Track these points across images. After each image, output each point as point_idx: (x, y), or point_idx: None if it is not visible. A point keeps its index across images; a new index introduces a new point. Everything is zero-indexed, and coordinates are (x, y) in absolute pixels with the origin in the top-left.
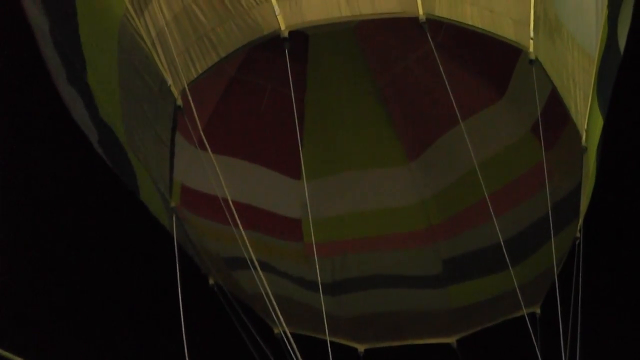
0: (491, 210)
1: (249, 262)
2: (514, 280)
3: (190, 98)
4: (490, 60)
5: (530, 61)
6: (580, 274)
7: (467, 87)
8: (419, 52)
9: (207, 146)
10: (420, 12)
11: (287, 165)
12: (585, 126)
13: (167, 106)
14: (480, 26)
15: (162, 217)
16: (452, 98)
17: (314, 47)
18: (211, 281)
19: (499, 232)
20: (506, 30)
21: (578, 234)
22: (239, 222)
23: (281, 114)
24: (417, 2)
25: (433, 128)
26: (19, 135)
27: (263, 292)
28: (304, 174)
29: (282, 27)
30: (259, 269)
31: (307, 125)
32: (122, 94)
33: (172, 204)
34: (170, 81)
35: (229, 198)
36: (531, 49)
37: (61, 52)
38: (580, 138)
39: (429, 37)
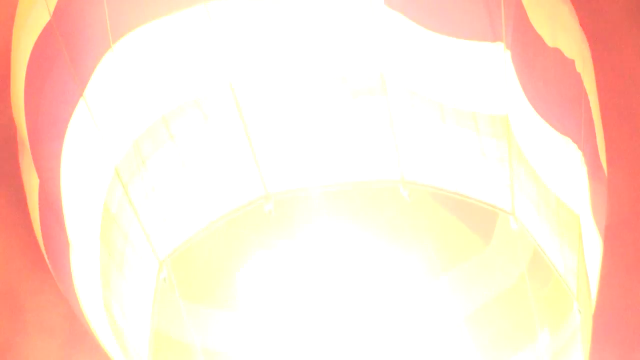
0: None
1: None
2: None
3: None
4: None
5: (512, 223)
6: None
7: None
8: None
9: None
10: (402, 179)
11: None
12: (577, 284)
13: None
14: (459, 192)
15: None
16: None
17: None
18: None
19: None
20: (486, 194)
21: None
22: None
23: None
24: (397, 166)
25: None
26: None
27: None
28: None
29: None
30: None
31: None
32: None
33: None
34: (153, 250)
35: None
36: (513, 213)
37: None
38: (572, 301)
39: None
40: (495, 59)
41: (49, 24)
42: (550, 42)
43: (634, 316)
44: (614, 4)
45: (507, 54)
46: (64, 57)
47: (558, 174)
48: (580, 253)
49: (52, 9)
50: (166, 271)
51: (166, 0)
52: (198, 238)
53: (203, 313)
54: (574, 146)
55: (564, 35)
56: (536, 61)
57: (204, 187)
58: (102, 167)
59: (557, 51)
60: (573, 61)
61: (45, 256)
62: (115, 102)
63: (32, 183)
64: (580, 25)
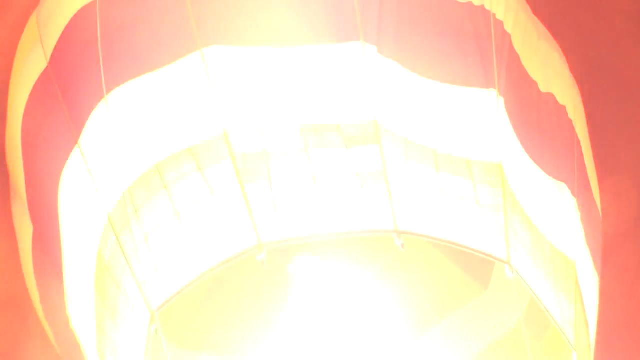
0: None
1: None
2: None
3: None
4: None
5: (509, 271)
6: None
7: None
8: None
9: None
10: (395, 229)
11: None
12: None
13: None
14: (454, 240)
15: None
16: None
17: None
18: None
19: None
20: (481, 243)
21: None
22: None
23: None
24: (392, 218)
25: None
26: None
27: None
28: None
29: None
30: None
31: None
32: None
33: None
34: (145, 300)
35: None
36: (508, 262)
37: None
38: (569, 347)
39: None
40: (489, 105)
41: (46, 70)
42: (543, 87)
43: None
44: (618, 12)
45: (501, 100)
46: (60, 104)
47: (553, 221)
48: (578, 301)
49: (49, 55)
50: (158, 322)
51: (162, 52)
52: (191, 287)
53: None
54: (568, 192)
55: (557, 81)
56: (530, 107)
57: (196, 236)
58: (96, 215)
59: (550, 96)
60: (565, 107)
61: (40, 307)
62: (109, 150)
63: (24, 230)
64: (585, 34)
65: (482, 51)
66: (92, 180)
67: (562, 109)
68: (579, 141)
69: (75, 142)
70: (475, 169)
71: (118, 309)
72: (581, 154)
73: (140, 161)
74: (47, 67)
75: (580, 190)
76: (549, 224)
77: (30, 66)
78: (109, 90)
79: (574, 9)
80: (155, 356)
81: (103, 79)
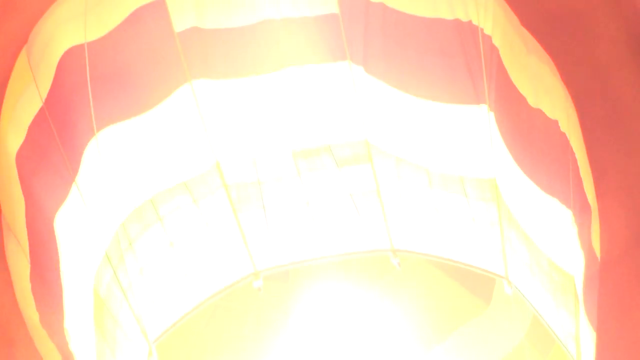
0: None
1: None
2: None
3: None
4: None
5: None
6: None
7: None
8: None
9: None
10: (391, 248)
11: None
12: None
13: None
14: (451, 258)
15: None
16: None
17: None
18: None
19: None
20: (478, 259)
21: None
22: None
23: None
24: (387, 237)
25: None
26: None
27: None
28: None
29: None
30: None
31: None
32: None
33: None
34: (143, 332)
35: None
36: (506, 277)
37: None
38: None
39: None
40: (480, 122)
41: (41, 111)
42: (533, 102)
43: None
44: (610, 35)
45: (491, 115)
46: (56, 143)
47: (549, 236)
48: (578, 314)
49: (44, 95)
50: (155, 354)
51: (152, 89)
52: (188, 317)
53: None
54: (563, 207)
55: (547, 96)
56: (521, 121)
57: (192, 266)
58: (91, 251)
59: (539, 112)
60: (557, 121)
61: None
62: (103, 187)
63: (20, 268)
64: (576, 55)
65: (470, 67)
66: (89, 217)
67: (553, 123)
68: (573, 153)
69: (73, 180)
70: (468, 186)
71: (116, 343)
72: (576, 166)
73: (134, 196)
74: (42, 107)
75: (576, 203)
76: (546, 238)
77: (24, 106)
78: (101, 128)
79: (563, 23)
80: None
81: (93, 117)
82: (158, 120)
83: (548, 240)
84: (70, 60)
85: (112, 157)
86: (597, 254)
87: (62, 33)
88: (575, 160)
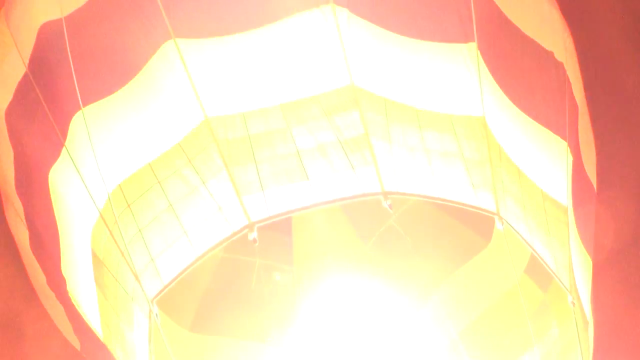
0: None
1: None
2: None
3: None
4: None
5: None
6: None
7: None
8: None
9: None
10: (382, 190)
11: None
12: (571, 279)
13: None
14: (443, 197)
15: None
16: None
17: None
18: None
19: None
20: (469, 197)
21: None
22: None
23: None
24: (378, 181)
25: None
26: None
27: None
28: None
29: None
30: None
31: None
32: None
33: None
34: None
35: None
36: (497, 214)
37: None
38: (566, 295)
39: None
40: (468, 60)
41: (25, 75)
42: (529, 32)
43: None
44: (611, 26)
45: (480, 53)
46: (43, 108)
47: (542, 168)
48: (569, 244)
49: (27, 61)
50: (156, 310)
51: (136, 55)
52: (186, 273)
53: (199, 340)
54: (557, 137)
55: (542, 26)
56: (514, 52)
57: (189, 224)
58: (86, 212)
59: (534, 43)
60: (552, 52)
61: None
62: (94, 153)
63: (21, 235)
64: (577, 47)
65: (457, 4)
66: (82, 178)
67: (549, 54)
68: (569, 82)
69: (62, 144)
70: (458, 124)
71: (118, 302)
72: (572, 96)
73: (131, 161)
74: (26, 72)
75: (572, 133)
76: (539, 171)
77: (9, 69)
78: (87, 103)
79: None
80: (158, 343)
81: (78, 93)
82: (144, 85)
83: (541, 173)
84: (49, 35)
85: (100, 129)
86: (593, 182)
87: (38, 7)
88: (571, 90)
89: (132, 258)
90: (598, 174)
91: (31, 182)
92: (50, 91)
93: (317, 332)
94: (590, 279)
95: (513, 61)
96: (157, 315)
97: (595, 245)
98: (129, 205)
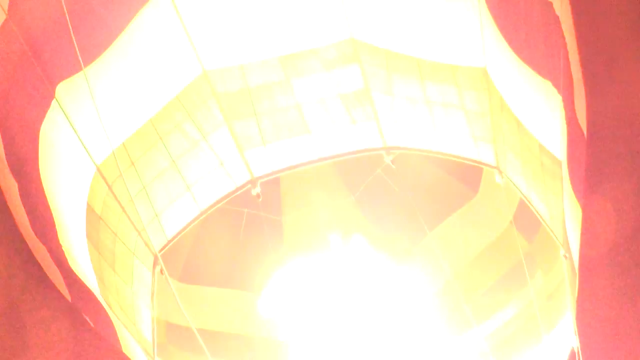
0: None
1: None
2: None
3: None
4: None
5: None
6: None
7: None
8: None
9: None
10: (384, 146)
11: None
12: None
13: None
14: (443, 150)
15: None
16: None
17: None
18: None
19: None
20: (469, 150)
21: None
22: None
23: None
24: (380, 135)
25: None
26: None
27: None
28: None
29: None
30: None
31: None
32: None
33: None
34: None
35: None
36: (497, 167)
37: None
38: (559, 246)
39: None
40: (471, 8)
41: (6, 22)
42: None
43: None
44: (614, 20)
45: (483, 2)
46: (29, 58)
47: (541, 120)
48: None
49: (6, 7)
50: (162, 262)
51: (128, 4)
52: (190, 227)
53: (201, 293)
54: (555, 90)
55: None
56: (517, 4)
57: (192, 178)
58: (82, 168)
59: None
60: (552, 3)
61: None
62: (95, 110)
63: (10, 187)
64: (580, 40)
65: None
66: (76, 133)
67: (548, 5)
68: (564, 37)
69: (52, 96)
70: (460, 75)
71: (115, 258)
72: (566, 52)
73: (131, 118)
74: (6, 19)
75: (566, 86)
76: (538, 122)
77: None
78: (87, 62)
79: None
80: (161, 296)
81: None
82: (136, 37)
83: (540, 125)
84: None
85: (102, 83)
86: (583, 130)
87: None
88: (565, 45)
89: (135, 215)
90: (588, 119)
91: (18, 134)
92: (39, 45)
93: (304, 279)
94: (580, 229)
95: (515, 10)
96: (162, 268)
97: (587, 238)
98: (132, 163)
